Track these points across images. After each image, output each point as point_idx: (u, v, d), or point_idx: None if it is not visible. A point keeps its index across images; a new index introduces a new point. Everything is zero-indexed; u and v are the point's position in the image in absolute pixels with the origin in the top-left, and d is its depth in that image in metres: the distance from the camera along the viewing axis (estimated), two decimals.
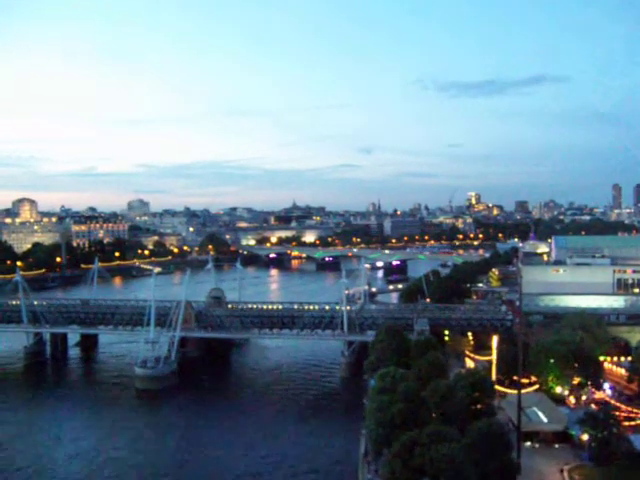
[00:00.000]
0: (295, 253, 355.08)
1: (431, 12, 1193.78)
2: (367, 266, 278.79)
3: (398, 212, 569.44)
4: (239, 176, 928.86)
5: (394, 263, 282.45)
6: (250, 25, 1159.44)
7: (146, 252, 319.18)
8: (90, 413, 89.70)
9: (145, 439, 78.19)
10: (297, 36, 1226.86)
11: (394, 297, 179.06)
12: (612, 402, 67.02)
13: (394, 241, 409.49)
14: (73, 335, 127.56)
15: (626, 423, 59.80)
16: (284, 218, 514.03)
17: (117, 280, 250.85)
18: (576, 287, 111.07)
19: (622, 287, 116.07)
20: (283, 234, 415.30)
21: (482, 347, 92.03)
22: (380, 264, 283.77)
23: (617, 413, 60.54)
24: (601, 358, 77.09)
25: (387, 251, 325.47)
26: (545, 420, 60.23)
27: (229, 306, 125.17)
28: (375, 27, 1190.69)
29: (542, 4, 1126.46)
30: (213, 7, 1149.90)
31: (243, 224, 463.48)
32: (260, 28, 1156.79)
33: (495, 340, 75.74)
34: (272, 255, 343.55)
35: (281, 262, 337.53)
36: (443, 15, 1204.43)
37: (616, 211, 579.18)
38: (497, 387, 69.03)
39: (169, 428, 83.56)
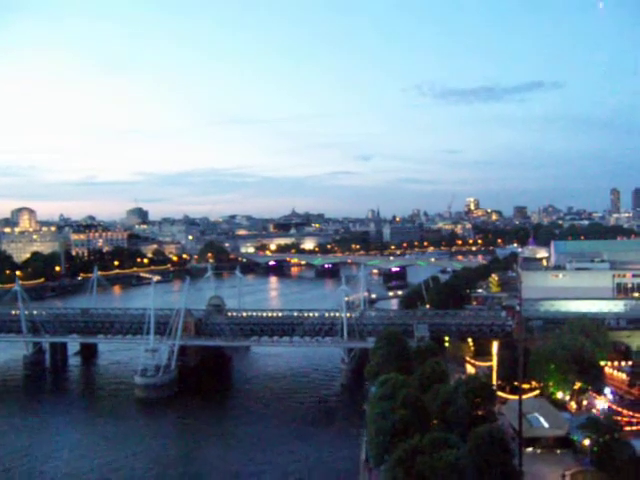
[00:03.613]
0: (294, 260, 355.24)
1: (428, 19, 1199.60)
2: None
3: (397, 218, 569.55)
4: (238, 184, 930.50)
5: (393, 269, 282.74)
6: (248, 33, 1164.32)
7: (145, 260, 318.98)
8: (89, 422, 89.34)
9: (145, 448, 77.76)
10: (294, 44, 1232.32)
11: (394, 303, 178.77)
12: (614, 407, 66.85)
13: (393, 247, 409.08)
14: (73, 344, 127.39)
15: (628, 428, 59.60)
16: (283, 225, 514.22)
17: (116, 289, 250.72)
18: (576, 292, 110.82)
19: (622, 291, 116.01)
20: (282, 241, 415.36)
21: (482, 353, 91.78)
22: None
23: (618, 418, 60.41)
24: (602, 363, 76.90)
25: (386, 257, 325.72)
26: (546, 425, 59.99)
27: (229, 314, 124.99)
28: (372, 34, 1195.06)
29: (539, 11, 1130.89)
30: (211, 16, 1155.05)
31: (242, 232, 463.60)
32: (257, 36, 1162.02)
33: (495, 346, 75.64)
34: (271, 262, 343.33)
35: (280, 269, 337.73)
36: (440, 22, 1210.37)
37: (615, 215, 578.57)
38: (498, 393, 68.88)
39: (169, 437, 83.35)
